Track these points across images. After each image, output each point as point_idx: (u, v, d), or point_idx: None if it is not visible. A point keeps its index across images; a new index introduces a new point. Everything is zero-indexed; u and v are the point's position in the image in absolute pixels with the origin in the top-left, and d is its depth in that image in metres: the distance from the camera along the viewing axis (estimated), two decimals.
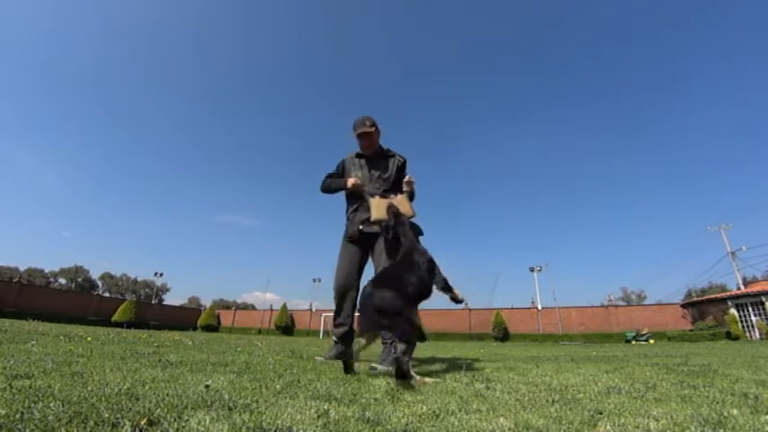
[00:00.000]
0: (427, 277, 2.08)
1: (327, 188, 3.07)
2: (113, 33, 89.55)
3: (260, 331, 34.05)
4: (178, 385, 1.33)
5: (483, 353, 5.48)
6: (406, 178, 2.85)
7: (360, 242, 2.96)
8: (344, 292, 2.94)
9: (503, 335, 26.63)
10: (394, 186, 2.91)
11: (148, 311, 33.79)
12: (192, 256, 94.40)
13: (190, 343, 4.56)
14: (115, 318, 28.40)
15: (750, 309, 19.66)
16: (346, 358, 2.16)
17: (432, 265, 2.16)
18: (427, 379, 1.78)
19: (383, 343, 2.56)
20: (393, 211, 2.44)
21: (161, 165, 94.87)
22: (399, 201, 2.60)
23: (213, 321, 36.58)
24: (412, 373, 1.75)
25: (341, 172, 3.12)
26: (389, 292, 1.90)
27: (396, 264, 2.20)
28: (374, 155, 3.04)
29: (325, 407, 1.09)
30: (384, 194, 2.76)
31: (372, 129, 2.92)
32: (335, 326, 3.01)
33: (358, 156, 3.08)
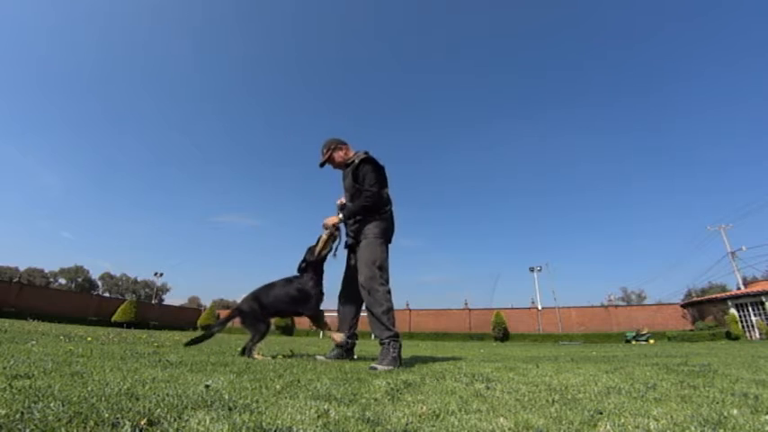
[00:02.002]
0: (284, 298, 2.85)
1: None
2: (113, 33, 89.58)
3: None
4: (178, 385, 1.33)
5: (483, 353, 5.48)
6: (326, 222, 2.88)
7: (352, 250, 3.00)
8: (341, 295, 3.05)
9: (503, 335, 26.62)
10: (356, 190, 2.84)
11: (148, 311, 33.79)
12: (192, 256, 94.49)
13: None
14: (115, 318, 28.36)
15: (750, 309, 19.66)
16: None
17: (300, 293, 2.85)
18: (259, 356, 2.72)
19: (381, 344, 2.57)
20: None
21: (161, 165, 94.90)
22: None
23: (213, 321, 36.56)
24: (254, 354, 2.73)
25: None
26: (249, 301, 2.84)
27: (279, 281, 2.95)
28: (345, 169, 3.05)
29: (325, 407, 1.09)
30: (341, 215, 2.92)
31: (328, 154, 3.00)
32: (338, 326, 3.07)
33: None
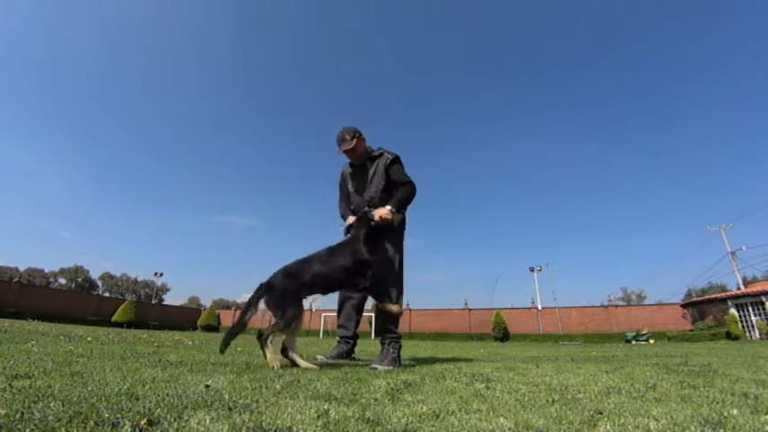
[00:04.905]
0: (328, 272, 2.30)
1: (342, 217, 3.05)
2: (113, 33, 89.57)
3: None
4: (178, 385, 1.33)
5: (483, 353, 5.48)
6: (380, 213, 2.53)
7: None
8: (344, 295, 3.05)
9: (503, 335, 26.61)
10: (387, 187, 2.81)
11: (148, 311, 33.77)
12: (192, 256, 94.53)
13: (190, 343, 4.56)
14: (115, 318, 28.37)
15: (750, 309, 19.66)
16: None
17: (359, 265, 2.35)
18: (273, 362, 2.09)
19: (381, 344, 2.58)
20: (361, 214, 2.58)
21: (161, 165, 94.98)
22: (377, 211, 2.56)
23: (213, 321, 36.55)
24: (268, 346, 2.11)
25: (343, 189, 3.12)
26: (282, 279, 2.21)
27: (312, 256, 2.39)
28: (363, 162, 2.93)
29: (325, 407, 1.09)
30: (368, 209, 2.64)
31: (353, 143, 2.79)
32: (338, 326, 3.09)
33: (351, 165, 3.03)
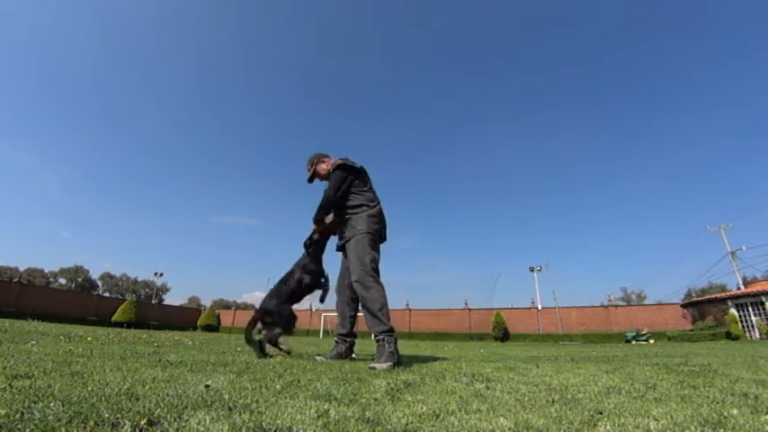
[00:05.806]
0: (296, 284, 2.94)
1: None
2: (111, 34, 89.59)
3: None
4: (178, 385, 1.33)
5: (483, 353, 5.48)
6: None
7: (343, 251, 3.07)
8: (337, 294, 3.08)
9: (503, 335, 26.61)
10: None
11: (148, 311, 33.78)
12: (192, 256, 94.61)
13: (190, 343, 4.56)
14: (115, 318, 28.38)
15: (750, 309, 19.66)
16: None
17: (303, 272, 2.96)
18: (285, 348, 3.08)
19: (376, 341, 2.58)
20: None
21: (161, 165, 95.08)
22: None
23: (213, 321, 36.56)
24: (281, 344, 3.03)
25: None
26: (271, 298, 2.97)
27: (285, 275, 3.03)
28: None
29: (326, 407, 1.09)
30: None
31: (312, 169, 3.17)
32: (338, 326, 3.10)
33: None
